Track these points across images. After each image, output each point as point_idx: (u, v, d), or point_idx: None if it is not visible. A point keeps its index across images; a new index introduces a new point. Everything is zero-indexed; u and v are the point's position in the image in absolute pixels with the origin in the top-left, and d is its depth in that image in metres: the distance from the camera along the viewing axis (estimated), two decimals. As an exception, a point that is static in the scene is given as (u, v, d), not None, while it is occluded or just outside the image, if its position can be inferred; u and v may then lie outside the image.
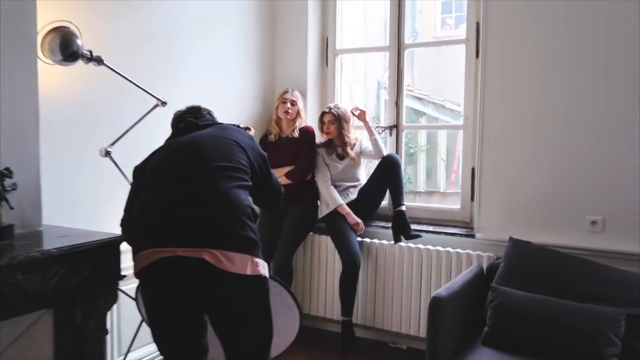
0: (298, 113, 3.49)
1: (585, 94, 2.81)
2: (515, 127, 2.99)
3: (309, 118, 3.67)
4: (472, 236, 3.14)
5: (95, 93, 2.48)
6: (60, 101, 2.31)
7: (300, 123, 3.50)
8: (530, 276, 2.54)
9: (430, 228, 3.32)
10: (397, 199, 3.29)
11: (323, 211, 3.44)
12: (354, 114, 3.42)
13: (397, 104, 3.54)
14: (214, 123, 2.11)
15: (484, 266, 2.88)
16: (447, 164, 7.48)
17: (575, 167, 2.85)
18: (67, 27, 2.08)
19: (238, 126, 2.19)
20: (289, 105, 3.45)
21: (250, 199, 1.90)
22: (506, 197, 3.04)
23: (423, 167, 7.44)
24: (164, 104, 2.52)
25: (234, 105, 3.47)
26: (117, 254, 1.90)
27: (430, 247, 3.17)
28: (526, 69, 2.95)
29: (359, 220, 3.31)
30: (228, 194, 1.82)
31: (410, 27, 7.66)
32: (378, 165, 3.41)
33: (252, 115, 3.63)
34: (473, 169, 3.23)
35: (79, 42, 2.11)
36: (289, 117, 3.46)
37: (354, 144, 3.46)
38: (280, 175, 3.37)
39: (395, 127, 3.56)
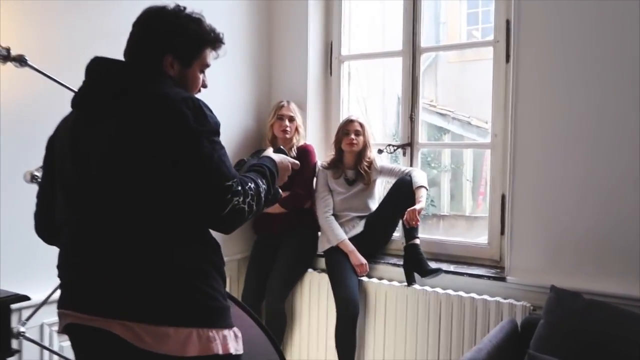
0: (296, 129, 2.98)
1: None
2: (556, 146, 2.42)
3: (310, 135, 3.15)
4: (503, 279, 2.55)
5: (31, 102, 2.01)
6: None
7: (298, 140, 2.99)
8: (579, 339, 1.95)
9: (452, 267, 2.74)
10: (412, 230, 2.73)
11: (324, 245, 2.90)
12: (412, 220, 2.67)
13: (412, 118, 2.99)
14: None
15: (519, 320, 2.29)
16: (474, 185, 6.89)
17: (633, 195, 2.25)
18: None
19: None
20: (286, 122, 2.94)
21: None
22: (545, 231, 2.45)
23: (447, 188, 6.86)
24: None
25: (222, 119, 2.97)
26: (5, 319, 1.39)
27: (450, 292, 2.59)
28: (568, 75, 2.38)
29: (364, 261, 2.76)
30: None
31: (433, 39, 7.17)
32: (393, 187, 2.87)
33: (242, 132, 3.13)
34: (503, 196, 2.66)
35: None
36: (287, 135, 2.95)
37: (371, 166, 2.92)
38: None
39: (409, 146, 3.01)
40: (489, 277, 2.59)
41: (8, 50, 1.69)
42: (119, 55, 1.41)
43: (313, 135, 3.18)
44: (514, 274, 2.52)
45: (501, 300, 2.46)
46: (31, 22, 2.03)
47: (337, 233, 2.81)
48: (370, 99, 4.91)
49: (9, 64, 1.71)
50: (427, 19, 5.75)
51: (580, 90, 2.35)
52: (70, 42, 2.16)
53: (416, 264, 2.66)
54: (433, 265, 2.67)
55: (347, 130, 2.86)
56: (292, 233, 2.92)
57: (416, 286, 2.68)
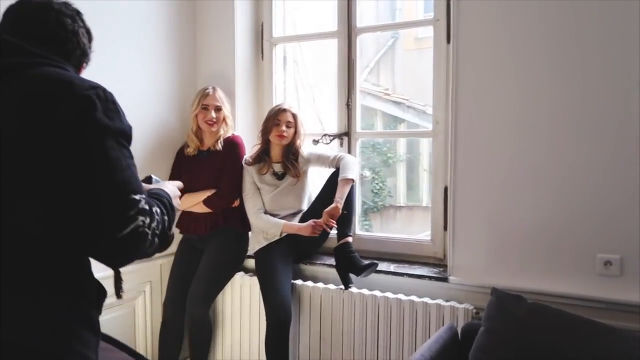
0: (224, 120, 2.68)
1: (599, 89, 2.03)
2: (501, 135, 2.20)
3: (239, 125, 2.88)
4: (445, 279, 2.34)
5: None
6: None
7: (226, 132, 2.70)
8: (521, 349, 1.75)
9: (392, 267, 2.52)
10: (343, 227, 2.49)
11: (255, 245, 2.64)
12: (329, 225, 2.46)
13: (349, 105, 2.75)
14: None
15: (459, 327, 2.08)
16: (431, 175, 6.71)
17: (583, 189, 2.06)
18: None
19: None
20: (212, 113, 2.63)
21: None
22: (490, 227, 2.24)
23: (403, 179, 6.68)
24: None
25: (136, 111, 2.66)
26: None
27: (389, 294, 2.37)
28: (514, 56, 2.17)
29: (314, 221, 2.49)
30: None
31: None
32: (327, 181, 2.62)
33: (164, 124, 2.82)
34: (446, 189, 2.45)
35: None
36: (213, 128, 2.66)
37: (298, 156, 2.67)
38: (197, 202, 2.59)
39: (346, 135, 2.77)
40: (430, 278, 2.37)
41: None
42: None
43: (243, 125, 2.90)
44: (456, 274, 2.31)
45: (442, 303, 2.25)
46: None
47: (275, 221, 2.57)
48: (319, 86, 4.62)
49: None
50: (382, 5, 5.48)
51: (527, 74, 2.14)
52: None
53: (348, 263, 2.43)
54: (368, 259, 2.46)
55: (278, 121, 2.59)
56: (218, 234, 2.64)
57: (353, 289, 2.45)
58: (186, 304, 2.56)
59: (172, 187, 1.26)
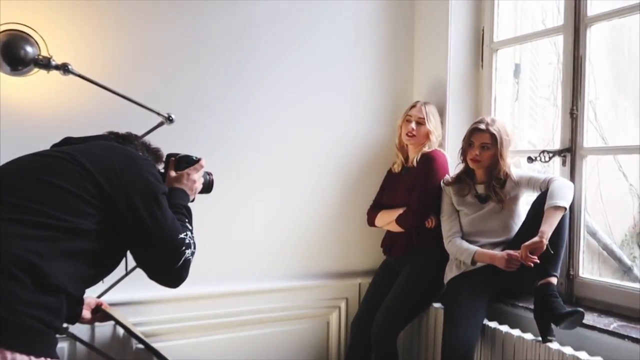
0: (427, 135, 2.50)
1: None
2: None
3: (450, 142, 2.63)
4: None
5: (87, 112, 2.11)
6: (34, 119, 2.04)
7: (429, 147, 2.50)
8: None
9: (613, 325, 1.89)
10: (546, 264, 2.00)
11: (449, 273, 2.35)
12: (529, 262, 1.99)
13: (573, 114, 2.21)
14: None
15: None
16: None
17: None
18: (16, 31, 1.77)
19: (175, 156, 1.60)
20: (413, 125, 2.49)
21: (45, 251, 1.16)
22: None
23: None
24: (169, 120, 2.01)
25: (345, 128, 2.71)
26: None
27: (597, 360, 1.79)
28: None
29: (509, 252, 2.08)
30: None
31: None
32: (531, 206, 2.18)
33: (374, 142, 2.79)
34: None
35: (28, 48, 1.78)
36: (413, 141, 2.51)
37: (507, 180, 2.28)
38: (391, 220, 2.48)
39: (568, 152, 2.23)
40: (662, 348, 1.70)
41: (48, 59, 1.79)
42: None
43: (454, 142, 2.62)
44: None
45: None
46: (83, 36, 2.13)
47: (467, 247, 2.24)
48: (530, 97, 3.80)
49: (54, 73, 1.82)
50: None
51: None
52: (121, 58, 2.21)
53: (548, 309, 1.93)
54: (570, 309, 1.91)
55: (471, 142, 2.26)
56: (414, 257, 2.45)
57: (554, 345, 1.93)
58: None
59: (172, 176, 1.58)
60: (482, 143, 2.23)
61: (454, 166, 2.47)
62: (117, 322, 1.93)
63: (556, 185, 2.05)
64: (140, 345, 2.11)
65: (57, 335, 1.19)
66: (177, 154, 1.62)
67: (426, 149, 2.49)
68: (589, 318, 1.96)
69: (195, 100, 2.35)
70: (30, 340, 1.09)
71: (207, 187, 1.69)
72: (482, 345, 2.18)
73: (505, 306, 2.25)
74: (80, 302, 1.74)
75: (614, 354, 1.80)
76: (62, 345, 2.07)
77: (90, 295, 1.81)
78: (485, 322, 2.20)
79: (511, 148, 2.28)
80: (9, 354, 1.04)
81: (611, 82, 2.75)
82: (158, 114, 1.99)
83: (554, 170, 2.32)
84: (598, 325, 1.89)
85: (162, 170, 1.58)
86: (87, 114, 2.11)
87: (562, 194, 2.01)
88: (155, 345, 1.92)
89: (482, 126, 2.24)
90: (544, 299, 1.95)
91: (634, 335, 1.79)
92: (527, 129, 2.97)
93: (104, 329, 2.14)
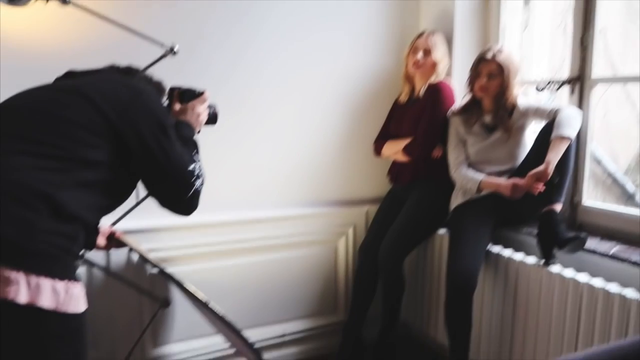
0: (434, 65, 2.48)
1: None
2: None
3: (457, 73, 2.61)
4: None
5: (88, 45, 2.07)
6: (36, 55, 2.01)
7: (436, 78, 2.49)
8: None
9: (614, 249, 1.96)
10: (551, 192, 2.04)
11: (453, 202, 2.40)
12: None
13: (583, 42, 2.18)
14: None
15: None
16: None
17: None
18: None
19: (178, 89, 1.60)
20: (420, 55, 2.47)
21: (59, 181, 1.17)
22: None
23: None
24: (173, 52, 1.98)
25: (351, 59, 2.68)
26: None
27: (596, 282, 1.86)
28: None
29: (515, 180, 2.13)
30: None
31: None
32: (537, 136, 2.20)
33: (381, 72, 2.77)
34: None
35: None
36: (420, 71, 2.49)
37: (514, 109, 2.28)
38: (398, 149, 2.51)
39: (577, 80, 2.22)
40: (661, 270, 1.77)
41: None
42: None
43: (461, 72, 2.60)
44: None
45: (668, 306, 1.66)
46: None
47: (472, 175, 2.29)
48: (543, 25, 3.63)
49: (53, 3, 1.78)
50: None
51: None
52: None
53: (551, 234, 2.00)
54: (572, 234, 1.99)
55: (479, 71, 2.25)
56: (420, 185, 2.50)
57: (555, 268, 2.01)
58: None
59: (178, 108, 1.58)
60: (489, 72, 2.22)
61: (461, 96, 2.47)
62: (132, 248, 2.00)
63: (564, 115, 2.05)
64: (154, 271, 2.18)
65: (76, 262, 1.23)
66: (180, 87, 1.61)
67: (433, 80, 2.48)
68: (591, 243, 2.03)
69: (200, 32, 2.32)
70: (51, 265, 1.12)
71: (212, 119, 1.70)
72: (486, 270, 2.26)
73: (509, 232, 2.31)
74: (97, 229, 1.80)
75: (614, 277, 1.87)
76: (79, 272, 2.13)
77: (103, 223, 1.86)
78: (489, 247, 2.27)
79: (519, 77, 2.27)
80: (33, 278, 1.08)
81: (623, 10, 2.69)
82: (161, 44, 1.97)
83: (562, 99, 2.32)
84: (599, 250, 1.96)
85: (166, 104, 1.59)
86: (88, 46, 2.07)
87: (569, 123, 2.02)
88: (167, 270, 1.99)
89: (489, 55, 2.22)
90: (548, 224, 2.01)
91: (634, 259, 1.85)
92: (535, 58, 2.93)
93: (118, 256, 2.20)
